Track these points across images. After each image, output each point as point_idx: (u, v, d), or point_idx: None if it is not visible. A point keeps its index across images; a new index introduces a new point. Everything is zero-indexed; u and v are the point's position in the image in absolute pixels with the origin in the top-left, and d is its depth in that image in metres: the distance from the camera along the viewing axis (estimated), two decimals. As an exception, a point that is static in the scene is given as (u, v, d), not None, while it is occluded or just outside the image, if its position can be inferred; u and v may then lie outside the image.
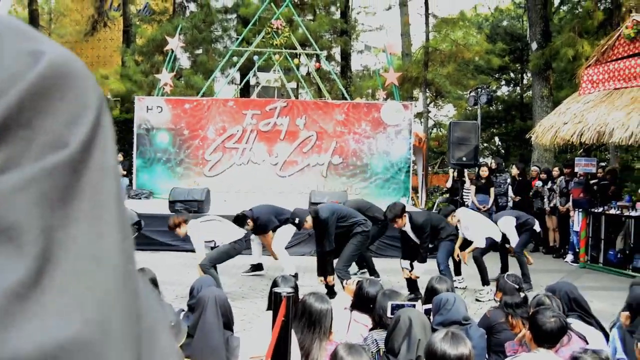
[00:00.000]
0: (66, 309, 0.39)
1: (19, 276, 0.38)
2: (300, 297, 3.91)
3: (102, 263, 0.42)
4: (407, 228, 8.43)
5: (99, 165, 0.44)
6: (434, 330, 3.98)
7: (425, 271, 8.20)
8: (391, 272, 9.97)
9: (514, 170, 13.81)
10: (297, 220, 8.46)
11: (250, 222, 9.07)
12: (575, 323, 4.39)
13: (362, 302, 4.54)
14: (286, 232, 9.49)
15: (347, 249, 8.22)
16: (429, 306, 4.37)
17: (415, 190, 15.85)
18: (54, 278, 0.39)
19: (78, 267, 0.41)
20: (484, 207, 12.61)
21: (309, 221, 8.34)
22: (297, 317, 3.56)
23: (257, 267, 10.00)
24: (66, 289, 0.40)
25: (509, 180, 13.71)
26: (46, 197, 0.40)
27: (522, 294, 5.11)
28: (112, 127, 0.48)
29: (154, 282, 4.89)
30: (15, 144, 0.41)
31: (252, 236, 9.85)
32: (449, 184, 14.39)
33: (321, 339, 3.58)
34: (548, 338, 3.73)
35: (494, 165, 14.34)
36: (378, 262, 10.27)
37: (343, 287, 7.83)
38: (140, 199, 14.13)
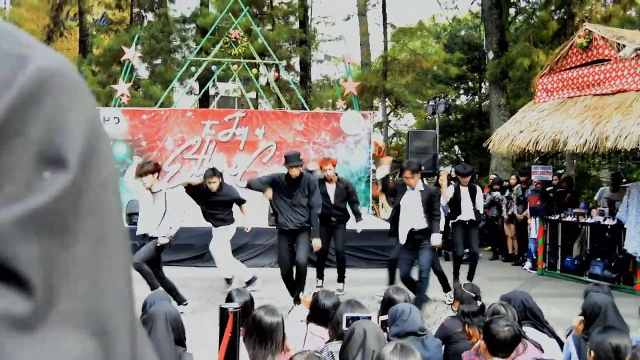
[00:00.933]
0: (67, 337, 0.38)
1: (21, 308, 0.37)
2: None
3: (104, 286, 0.41)
4: (416, 192, 8.17)
5: (99, 181, 0.42)
6: (390, 341, 3.95)
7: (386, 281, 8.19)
8: (350, 283, 9.95)
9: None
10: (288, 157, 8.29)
11: (218, 180, 8.95)
12: (529, 331, 4.40)
13: (319, 314, 4.49)
14: (225, 237, 9.34)
15: (303, 245, 8.19)
16: (386, 317, 4.34)
17: (375, 199, 15.86)
18: (55, 306, 0.38)
19: (80, 292, 0.39)
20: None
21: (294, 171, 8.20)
22: (248, 333, 3.48)
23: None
24: (67, 316, 0.39)
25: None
26: (46, 225, 0.38)
27: (479, 303, 5.12)
28: (107, 136, 0.47)
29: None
30: (6, 153, 0.39)
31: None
32: None
33: (273, 354, 3.52)
34: (502, 347, 3.73)
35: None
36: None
37: (299, 299, 7.80)
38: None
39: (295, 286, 8.28)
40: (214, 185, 8.96)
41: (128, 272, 0.44)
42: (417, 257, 8.25)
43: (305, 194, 8.23)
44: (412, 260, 8.32)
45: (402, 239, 8.25)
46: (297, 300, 8.02)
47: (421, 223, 8.19)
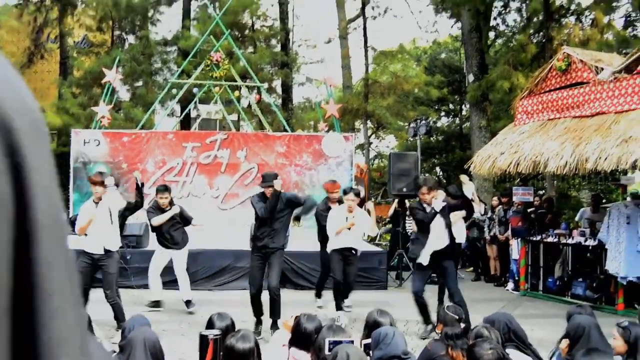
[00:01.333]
0: None
1: None
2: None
3: None
4: (437, 207, 8.34)
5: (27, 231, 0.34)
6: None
7: (370, 303, 8.12)
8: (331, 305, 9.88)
9: None
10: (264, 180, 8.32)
11: (169, 197, 9.50)
12: (513, 353, 4.37)
13: (300, 338, 4.43)
14: (184, 259, 9.71)
15: (275, 268, 8.16)
16: (369, 341, 4.29)
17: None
18: None
19: None
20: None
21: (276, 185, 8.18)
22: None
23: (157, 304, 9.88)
24: None
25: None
26: None
27: (462, 325, 5.09)
28: (44, 166, 0.38)
29: (88, 322, 4.69)
30: None
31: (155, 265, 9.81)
32: (390, 212, 14.46)
33: (250, 380, 3.44)
34: (487, 371, 3.69)
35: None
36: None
37: (277, 325, 7.75)
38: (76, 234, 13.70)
39: (270, 312, 8.20)
40: (165, 200, 9.38)
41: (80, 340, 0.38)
42: (440, 277, 8.65)
43: (281, 209, 8.22)
44: (427, 277, 8.46)
45: (425, 260, 8.30)
46: (274, 325, 7.97)
47: (444, 242, 8.31)
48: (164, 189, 9.59)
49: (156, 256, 9.77)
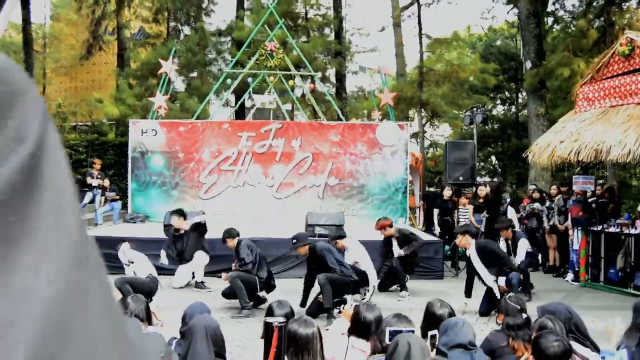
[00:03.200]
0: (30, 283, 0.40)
1: None
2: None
3: (63, 236, 0.43)
4: (473, 255, 8.69)
5: (53, 159, 0.44)
6: (441, 353, 3.87)
7: (427, 292, 8.04)
8: (388, 294, 9.85)
9: (485, 189, 13.53)
10: (294, 241, 8.43)
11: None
12: (574, 346, 4.26)
13: (360, 327, 4.41)
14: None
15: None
16: (435, 332, 4.25)
17: (412, 210, 15.73)
18: (20, 255, 0.40)
19: (46, 241, 0.42)
20: (480, 227, 12.62)
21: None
22: (285, 347, 3.41)
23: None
24: (33, 265, 0.40)
25: (508, 199, 13.59)
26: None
27: (524, 315, 4.98)
28: (59, 146, 0.46)
29: (147, 309, 4.76)
30: None
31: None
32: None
33: (313, 364, 3.44)
34: (552, 363, 3.61)
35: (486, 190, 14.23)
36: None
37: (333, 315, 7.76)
38: (135, 222, 13.98)
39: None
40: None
41: (83, 233, 0.46)
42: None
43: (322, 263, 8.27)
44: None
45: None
46: (330, 316, 7.96)
47: (491, 282, 8.64)
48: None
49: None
